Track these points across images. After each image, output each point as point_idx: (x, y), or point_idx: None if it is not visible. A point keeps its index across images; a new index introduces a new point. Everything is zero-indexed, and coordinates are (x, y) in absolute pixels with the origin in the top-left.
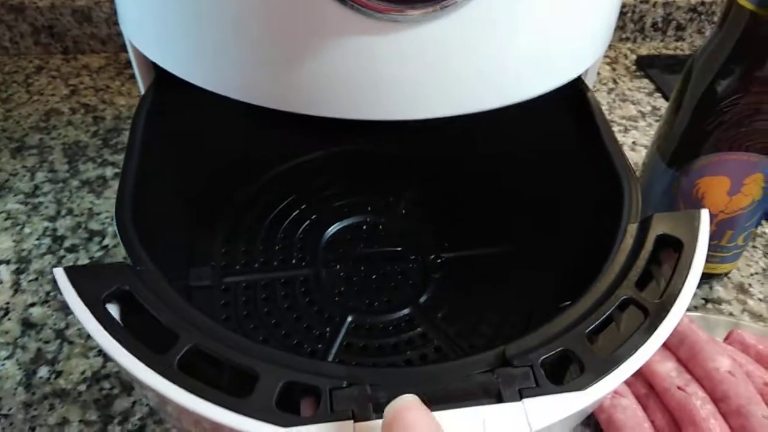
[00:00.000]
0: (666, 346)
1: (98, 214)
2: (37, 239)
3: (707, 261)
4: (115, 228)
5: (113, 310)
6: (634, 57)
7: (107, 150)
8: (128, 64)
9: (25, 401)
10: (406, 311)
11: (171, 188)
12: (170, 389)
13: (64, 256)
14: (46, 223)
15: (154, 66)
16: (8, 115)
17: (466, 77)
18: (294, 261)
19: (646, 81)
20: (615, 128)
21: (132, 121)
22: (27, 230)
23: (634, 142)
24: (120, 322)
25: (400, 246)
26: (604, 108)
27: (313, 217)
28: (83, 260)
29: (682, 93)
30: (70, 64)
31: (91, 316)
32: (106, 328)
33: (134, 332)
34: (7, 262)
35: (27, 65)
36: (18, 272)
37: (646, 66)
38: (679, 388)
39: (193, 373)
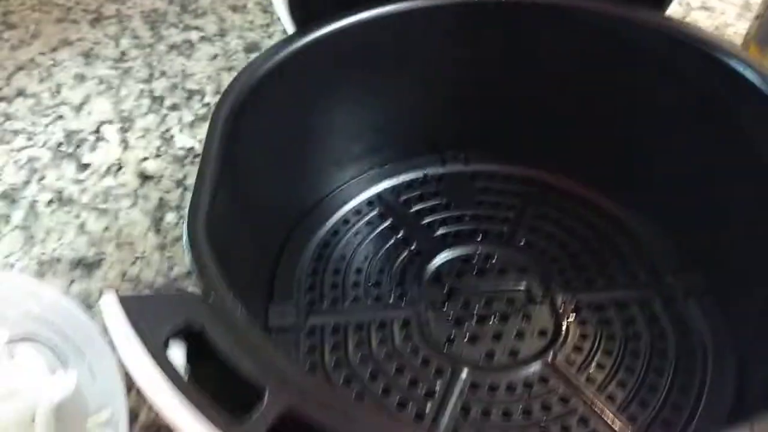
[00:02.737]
0: None
1: (192, 74)
2: (136, 100)
3: None
4: (185, 244)
5: (176, 354)
6: None
7: (187, 15)
8: None
9: (158, 244)
10: (536, 367)
11: (250, 204)
12: None
13: (167, 114)
14: (141, 85)
15: None
16: None
17: None
18: (392, 299)
19: None
20: None
21: (213, 114)
22: (123, 92)
23: None
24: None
25: (521, 283)
26: None
27: (413, 246)
28: (188, 118)
29: None
30: None
31: (150, 361)
32: (170, 379)
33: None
34: (110, 122)
35: None
36: (123, 131)
37: None
38: None
39: None
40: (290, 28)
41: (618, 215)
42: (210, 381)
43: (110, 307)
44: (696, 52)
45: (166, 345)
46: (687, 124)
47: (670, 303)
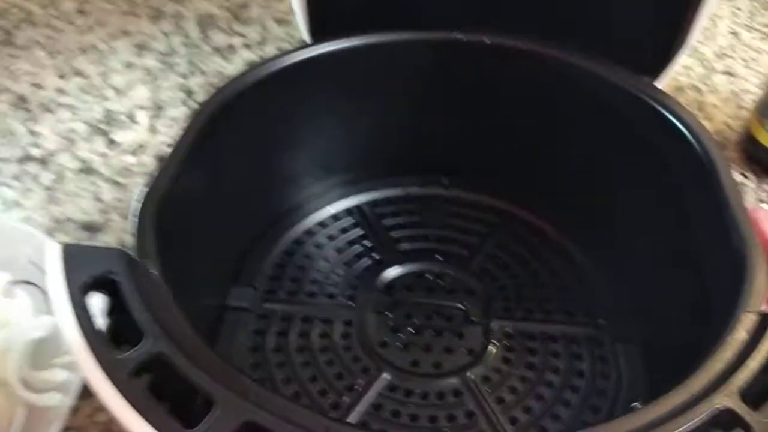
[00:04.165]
0: None
1: (227, 76)
2: (171, 92)
3: None
4: (132, 213)
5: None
6: None
7: (236, 22)
8: None
9: None
10: (453, 381)
11: (228, 189)
12: None
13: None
14: (180, 79)
15: None
16: None
17: None
18: (342, 299)
19: None
20: (754, 35)
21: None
22: (163, 83)
23: None
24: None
25: (463, 303)
26: (743, 15)
27: (375, 255)
28: None
29: None
30: None
31: (68, 306)
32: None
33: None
34: (145, 108)
35: None
36: (154, 117)
37: None
38: None
39: None
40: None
41: (573, 255)
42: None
43: (52, 253)
44: (656, 114)
45: (85, 288)
46: (642, 183)
47: (596, 345)
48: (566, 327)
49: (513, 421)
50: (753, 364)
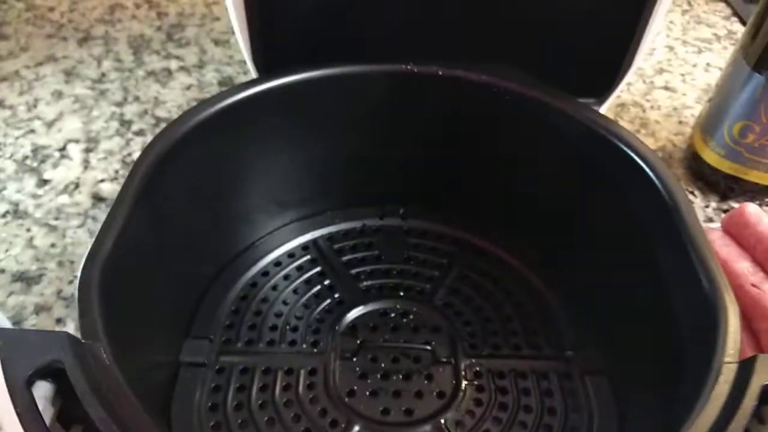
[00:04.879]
0: (742, 245)
1: (164, 102)
2: (105, 122)
3: None
4: (77, 287)
5: (43, 392)
6: None
7: (171, 44)
8: None
9: None
10: (427, 428)
11: (176, 236)
12: None
13: (132, 139)
14: (113, 108)
15: None
16: (74, 8)
17: None
18: (305, 346)
19: (722, 5)
20: (688, 49)
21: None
22: (95, 113)
23: (708, 63)
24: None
25: (430, 343)
26: (677, 29)
27: (336, 296)
28: None
29: None
30: None
31: (8, 401)
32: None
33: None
34: (77, 141)
35: None
36: (87, 151)
37: None
38: (753, 285)
39: None
40: (254, 73)
41: (536, 287)
42: (79, 421)
43: None
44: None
45: (30, 381)
46: (603, 217)
47: (566, 378)
48: (534, 362)
49: None
50: (738, 421)
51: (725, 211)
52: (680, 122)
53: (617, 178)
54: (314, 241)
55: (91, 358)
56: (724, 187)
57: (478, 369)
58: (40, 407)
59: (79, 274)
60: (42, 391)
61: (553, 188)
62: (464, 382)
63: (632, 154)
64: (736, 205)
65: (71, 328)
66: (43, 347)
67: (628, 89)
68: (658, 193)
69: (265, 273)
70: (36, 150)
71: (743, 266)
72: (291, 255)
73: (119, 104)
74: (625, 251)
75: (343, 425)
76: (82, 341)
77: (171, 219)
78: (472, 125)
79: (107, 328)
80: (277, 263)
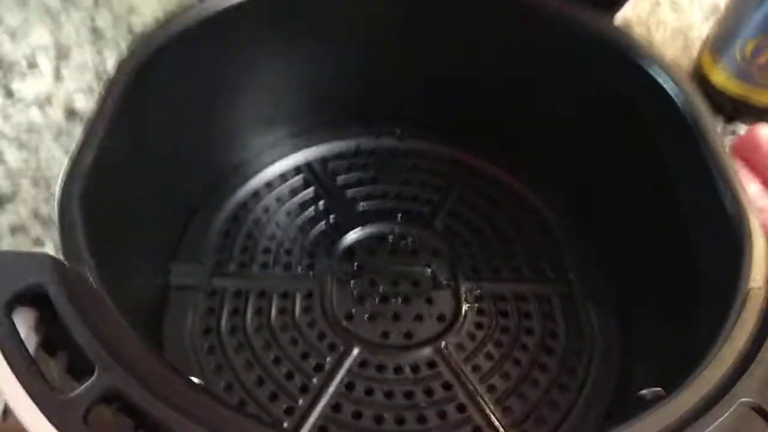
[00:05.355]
0: (753, 168)
1: (139, 10)
2: (75, 30)
3: None
4: (56, 205)
5: (24, 318)
6: None
7: None
8: None
9: None
10: (427, 351)
11: (161, 153)
12: None
13: (104, 49)
14: (84, 16)
15: None
16: None
17: None
18: (300, 269)
19: None
20: None
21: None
22: (64, 21)
23: None
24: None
25: (430, 266)
26: None
27: (332, 218)
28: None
29: None
30: None
31: None
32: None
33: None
34: (45, 51)
35: None
36: (59, 62)
37: None
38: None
39: None
40: None
41: (537, 207)
42: (62, 348)
43: None
44: (620, 57)
45: (10, 306)
46: (606, 124)
47: (568, 302)
48: (536, 285)
49: (491, 389)
50: None
51: (732, 133)
52: (686, 44)
53: (628, 89)
54: (308, 163)
55: (76, 282)
56: (731, 109)
57: (478, 292)
58: (22, 335)
59: (57, 192)
60: (24, 317)
61: (558, 101)
62: (465, 306)
63: (644, 67)
64: (742, 127)
65: (50, 248)
66: (23, 270)
67: (634, 8)
68: (673, 104)
69: (256, 195)
70: (3, 61)
71: (752, 189)
72: (282, 176)
73: (90, 12)
74: (636, 164)
75: (342, 348)
76: (65, 263)
77: (153, 135)
78: (475, 39)
79: (92, 249)
80: (268, 184)
